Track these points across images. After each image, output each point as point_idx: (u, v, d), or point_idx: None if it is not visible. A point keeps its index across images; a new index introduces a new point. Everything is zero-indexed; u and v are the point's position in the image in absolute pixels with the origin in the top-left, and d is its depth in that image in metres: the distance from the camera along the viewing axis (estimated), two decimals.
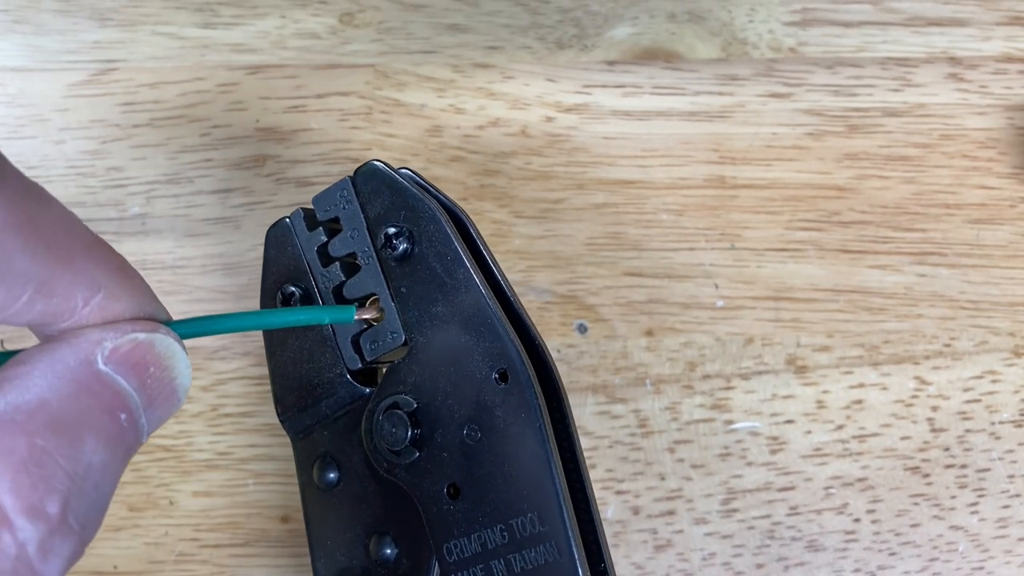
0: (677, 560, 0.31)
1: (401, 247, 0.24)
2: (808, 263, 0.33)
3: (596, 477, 0.31)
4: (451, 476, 0.23)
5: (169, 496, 0.32)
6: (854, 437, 0.32)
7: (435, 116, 0.34)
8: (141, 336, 0.19)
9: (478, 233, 0.25)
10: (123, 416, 0.18)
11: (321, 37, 0.35)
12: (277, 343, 0.27)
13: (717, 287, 0.33)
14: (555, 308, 0.33)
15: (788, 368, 0.32)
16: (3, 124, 0.34)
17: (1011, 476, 0.31)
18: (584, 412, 0.32)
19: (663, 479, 0.31)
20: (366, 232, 0.25)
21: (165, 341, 0.19)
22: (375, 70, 0.35)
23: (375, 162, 0.25)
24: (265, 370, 0.33)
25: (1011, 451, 0.32)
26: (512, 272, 0.33)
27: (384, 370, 0.25)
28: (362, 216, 0.25)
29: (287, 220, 0.26)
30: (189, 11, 0.35)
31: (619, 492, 0.31)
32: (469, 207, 0.33)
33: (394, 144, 0.34)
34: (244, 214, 0.34)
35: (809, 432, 0.32)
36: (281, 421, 0.27)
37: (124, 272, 0.20)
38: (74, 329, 0.19)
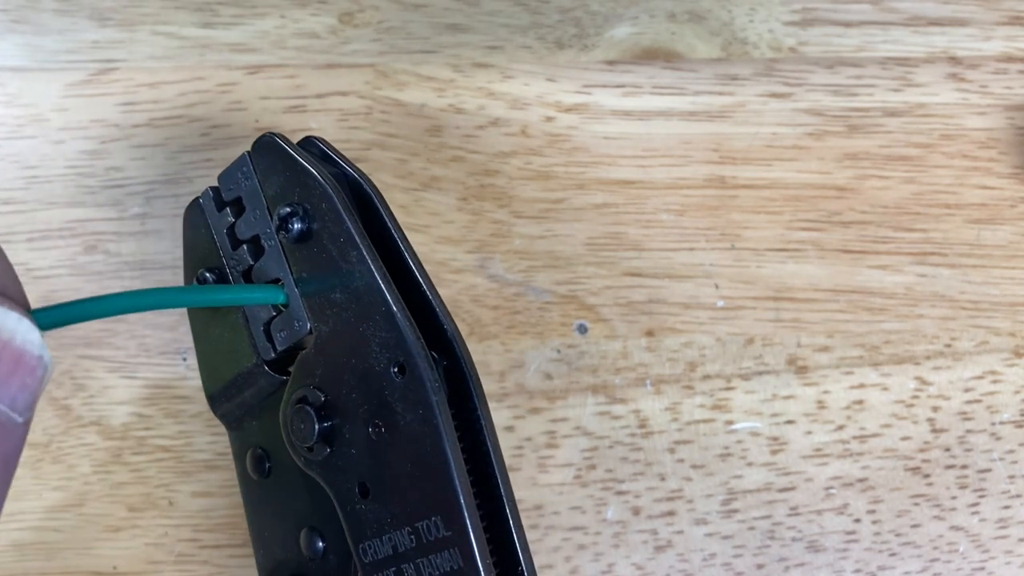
0: (677, 561, 0.31)
1: (295, 228, 0.22)
2: (808, 263, 0.33)
3: (596, 478, 0.31)
4: (361, 474, 0.22)
5: (168, 496, 0.32)
6: (855, 437, 0.32)
7: (435, 116, 0.34)
8: None
9: (387, 209, 0.23)
10: None
11: (321, 37, 0.35)
12: (201, 328, 0.26)
13: (717, 287, 0.33)
14: (555, 308, 0.33)
15: (788, 368, 0.32)
16: (2, 124, 0.34)
17: (1012, 476, 0.31)
18: (584, 412, 0.32)
19: (663, 479, 0.31)
20: (266, 212, 0.23)
21: None
22: (375, 70, 0.35)
23: (269, 135, 0.23)
24: None
25: (1012, 451, 0.32)
26: (512, 272, 0.33)
27: (296, 359, 0.24)
28: (261, 195, 0.23)
29: (199, 200, 0.25)
30: (188, 11, 0.35)
31: (619, 493, 0.31)
32: (469, 207, 0.33)
33: (394, 144, 0.34)
34: None
35: (809, 432, 0.32)
36: (212, 410, 0.26)
37: None
38: None
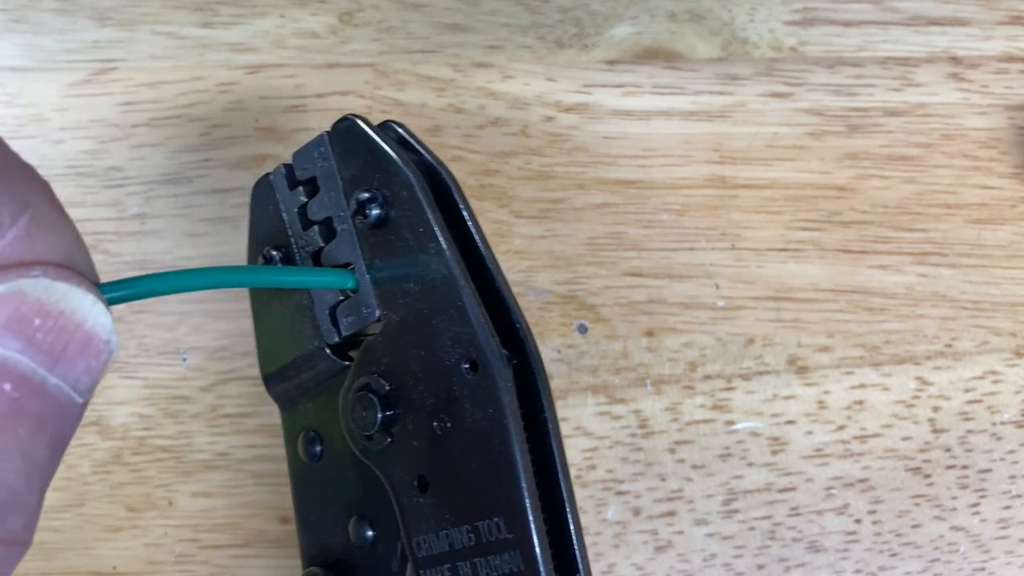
0: (678, 561, 0.31)
1: (373, 214, 0.22)
2: (809, 263, 0.33)
3: (596, 478, 0.31)
4: (421, 467, 0.21)
5: (168, 497, 0.32)
6: (855, 438, 0.32)
7: (435, 116, 0.34)
8: (0, 289, 0.15)
9: (464, 200, 0.22)
10: (7, 387, 0.15)
11: (320, 36, 0.35)
12: (262, 307, 0.25)
13: (718, 287, 0.33)
14: (555, 308, 0.33)
15: (789, 368, 0.32)
16: (2, 124, 0.34)
17: (1012, 477, 0.31)
18: (584, 412, 0.32)
19: (663, 480, 0.31)
20: (342, 195, 0.23)
21: (40, 284, 0.16)
22: (375, 69, 0.35)
23: (351, 117, 0.23)
24: None
25: (1012, 452, 0.32)
26: (512, 272, 0.33)
27: (362, 345, 0.23)
28: (338, 177, 0.23)
29: (269, 177, 0.24)
30: (188, 10, 0.35)
31: (619, 493, 0.31)
32: None
33: None
34: (243, 214, 0.34)
35: (810, 433, 0.32)
36: (267, 390, 0.25)
37: (55, 202, 0.17)
38: None
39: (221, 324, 0.33)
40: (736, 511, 0.31)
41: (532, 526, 0.20)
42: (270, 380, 0.25)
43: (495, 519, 0.20)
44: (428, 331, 0.21)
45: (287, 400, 0.25)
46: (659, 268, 0.33)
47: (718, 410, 0.32)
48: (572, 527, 0.21)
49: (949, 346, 0.32)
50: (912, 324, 0.32)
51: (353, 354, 0.24)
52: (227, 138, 0.34)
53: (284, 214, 0.24)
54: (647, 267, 0.33)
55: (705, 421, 0.32)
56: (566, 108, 0.34)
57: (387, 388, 0.22)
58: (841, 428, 0.32)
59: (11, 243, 0.16)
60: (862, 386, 0.32)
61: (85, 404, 0.16)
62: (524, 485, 0.20)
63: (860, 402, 0.32)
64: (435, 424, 0.21)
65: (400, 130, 0.23)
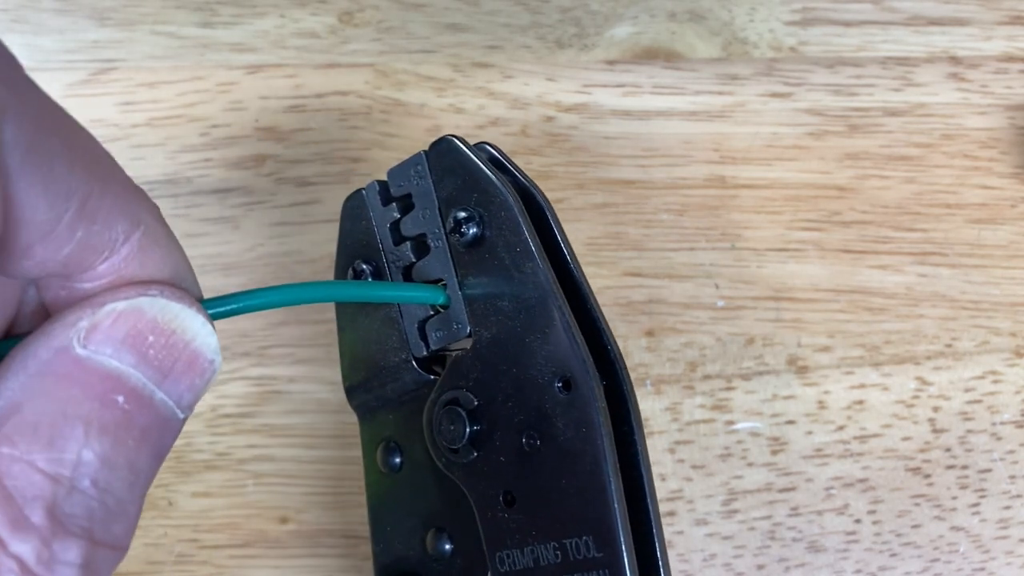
0: (678, 561, 0.31)
1: (470, 233, 0.22)
2: (809, 263, 0.33)
3: None
4: (507, 483, 0.22)
5: (168, 497, 0.32)
6: (855, 438, 0.32)
7: (435, 116, 0.34)
8: (121, 305, 0.16)
9: (556, 221, 0.23)
10: (120, 399, 0.16)
11: (320, 36, 0.35)
12: (348, 319, 0.26)
13: (718, 287, 0.33)
14: None
15: (789, 368, 0.32)
16: None
17: (1012, 477, 0.31)
18: None
19: (663, 480, 0.31)
20: (437, 213, 0.23)
21: (157, 303, 0.17)
22: (375, 69, 0.35)
23: (450, 137, 0.23)
24: (265, 371, 0.32)
25: (1012, 452, 0.32)
26: None
27: (450, 360, 0.24)
28: (434, 195, 0.23)
29: (362, 192, 0.25)
30: (188, 10, 0.35)
31: None
32: None
33: (394, 144, 0.34)
34: (243, 214, 0.34)
35: (810, 433, 0.32)
36: (348, 399, 0.26)
37: (163, 221, 0.18)
38: (103, 286, 0.17)
39: (222, 324, 0.33)
40: (736, 511, 0.31)
41: (623, 547, 0.20)
42: (352, 391, 0.26)
43: (584, 538, 0.21)
44: (521, 349, 0.22)
45: (367, 410, 0.26)
46: (659, 268, 0.33)
47: (718, 410, 0.32)
48: (658, 549, 0.21)
49: (949, 346, 0.32)
50: (912, 324, 0.32)
51: (438, 368, 0.24)
52: (227, 138, 0.34)
53: (376, 229, 0.24)
54: (647, 267, 0.33)
55: (705, 421, 0.32)
56: (566, 108, 0.34)
57: (475, 403, 0.22)
58: (841, 428, 0.32)
59: (124, 259, 0.17)
60: (862, 386, 0.32)
61: (185, 420, 0.17)
62: (616, 506, 0.20)
63: (860, 402, 0.32)
64: (524, 440, 0.21)
65: (494, 151, 0.23)
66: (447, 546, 0.24)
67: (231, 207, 0.34)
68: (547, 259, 0.22)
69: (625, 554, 0.20)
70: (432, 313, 0.24)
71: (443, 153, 0.23)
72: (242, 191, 0.34)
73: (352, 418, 0.33)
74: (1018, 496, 0.31)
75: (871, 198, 0.33)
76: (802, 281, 0.33)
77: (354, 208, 0.25)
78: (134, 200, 0.17)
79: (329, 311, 0.33)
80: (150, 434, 0.16)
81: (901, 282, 0.33)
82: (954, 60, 0.35)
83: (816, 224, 0.33)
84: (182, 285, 0.18)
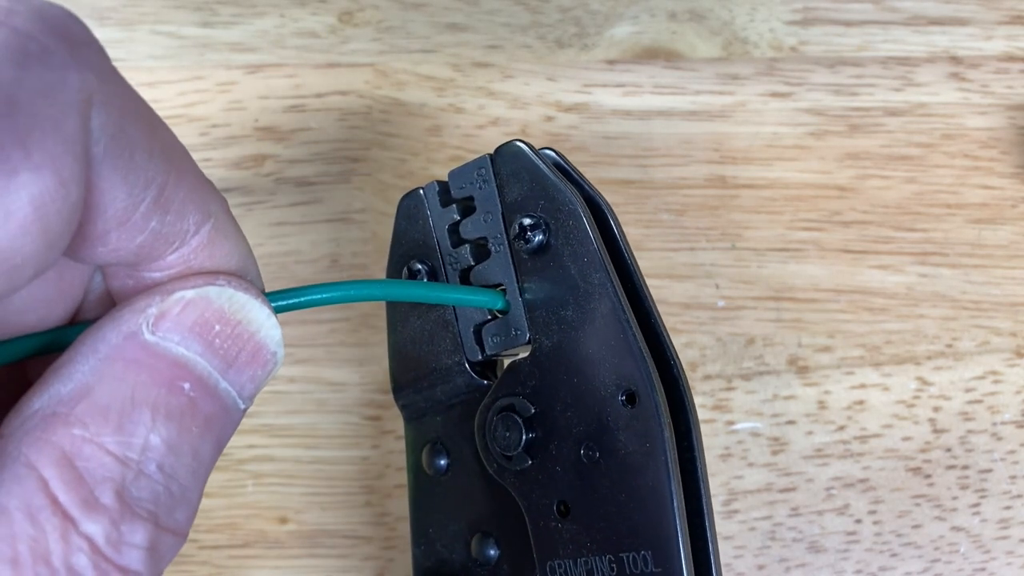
0: None
1: (536, 240, 0.22)
2: (809, 263, 0.33)
3: None
4: (562, 493, 0.22)
5: None
6: (855, 438, 0.32)
7: (435, 115, 0.34)
8: (189, 294, 0.17)
9: (621, 231, 0.23)
10: (186, 386, 0.16)
11: (320, 36, 0.35)
12: (400, 318, 0.25)
13: (718, 287, 0.33)
14: None
15: (789, 368, 0.32)
16: None
17: (1013, 477, 0.31)
18: None
19: None
20: (500, 217, 0.23)
21: (224, 293, 0.17)
22: (374, 69, 0.35)
23: (518, 143, 0.23)
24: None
25: (1013, 452, 0.31)
26: None
27: (504, 365, 0.24)
28: (498, 199, 0.23)
29: (420, 191, 0.24)
30: (188, 10, 0.35)
31: None
32: None
33: (394, 143, 0.34)
34: (243, 214, 0.34)
35: (810, 433, 0.32)
36: (395, 399, 0.26)
37: (231, 215, 0.18)
38: (171, 276, 0.17)
39: None
40: (736, 511, 0.31)
41: (683, 564, 0.20)
42: (400, 390, 0.25)
43: (643, 552, 0.20)
44: (583, 359, 0.21)
45: (414, 411, 0.25)
46: (659, 268, 0.33)
47: (718, 410, 0.32)
48: (714, 567, 0.21)
49: (950, 346, 0.32)
50: (912, 324, 0.32)
51: (490, 373, 0.24)
52: (227, 138, 0.34)
53: (434, 229, 0.24)
54: (647, 267, 0.33)
55: (705, 421, 0.32)
56: (566, 108, 0.34)
57: (532, 410, 0.22)
58: (841, 428, 0.32)
59: (194, 250, 0.17)
60: (862, 386, 0.32)
61: (245, 411, 0.18)
62: (678, 523, 0.20)
63: (860, 402, 0.32)
64: (582, 452, 0.21)
65: (559, 158, 0.23)
66: (492, 551, 0.24)
67: (231, 207, 0.34)
68: (615, 271, 0.22)
69: (685, 571, 0.20)
70: (490, 318, 0.23)
71: (509, 158, 0.23)
72: (242, 191, 0.34)
73: (352, 419, 0.33)
74: (1018, 496, 0.31)
75: (871, 198, 0.33)
76: (802, 281, 0.33)
77: (411, 207, 0.25)
78: (206, 192, 0.18)
79: (330, 311, 0.33)
80: (213, 423, 0.17)
81: (901, 282, 0.33)
82: (955, 60, 0.35)
83: (816, 224, 0.33)
84: (248, 276, 0.18)
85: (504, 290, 0.23)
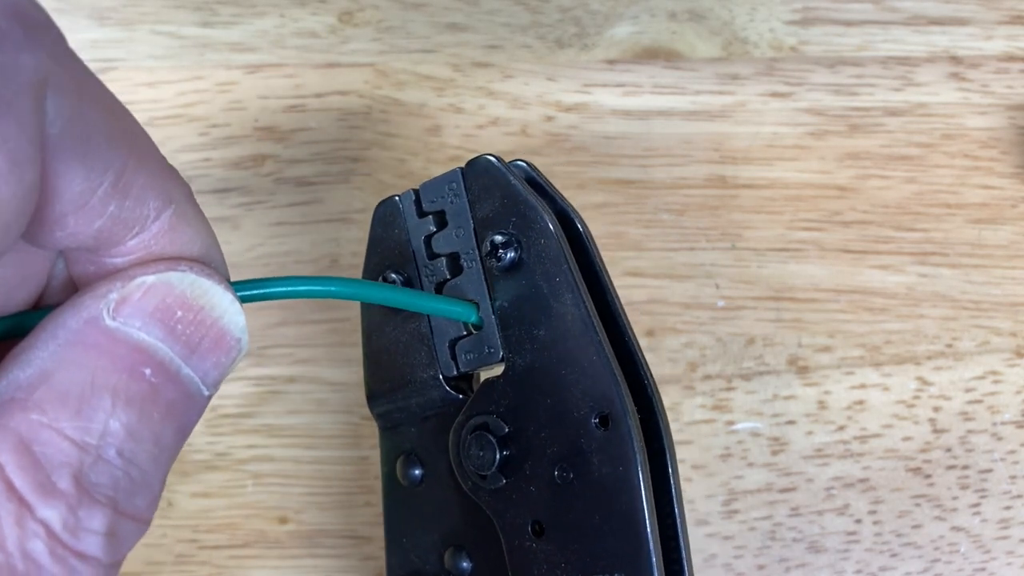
0: None
1: (507, 258, 0.22)
2: (809, 263, 0.33)
3: None
4: (537, 513, 0.21)
5: (167, 497, 0.32)
6: (855, 438, 0.32)
7: (434, 115, 0.34)
8: (150, 279, 0.17)
9: (595, 247, 0.22)
10: (148, 371, 0.16)
11: (320, 36, 0.35)
12: (374, 327, 0.25)
13: (718, 287, 0.33)
14: None
15: (789, 368, 0.32)
16: None
17: (1013, 477, 0.31)
18: None
19: None
20: (472, 233, 0.23)
21: (186, 279, 0.17)
22: (374, 69, 0.35)
23: (487, 157, 0.22)
24: (264, 371, 0.32)
25: (1013, 452, 0.31)
26: None
27: (480, 381, 0.23)
28: (469, 214, 0.23)
29: (396, 199, 0.24)
30: (188, 10, 0.35)
31: None
32: None
33: (394, 143, 0.34)
34: (243, 214, 0.34)
35: (810, 433, 0.32)
36: (369, 407, 0.25)
37: (194, 202, 0.18)
38: (132, 262, 0.17)
39: None
40: (736, 511, 0.31)
41: None
42: (375, 399, 0.25)
43: (616, 574, 0.20)
44: (556, 380, 0.21)
45: (389, 420, 0.25)
46: (659, 268, 0.33)
47: (718, 410, 0.32)
48: None
49: (950, 346, 0.32)
50: (913, 324, 0.32)
51: (466, 387, 0.24)
52: (226, 138, 0.34)
53: (411, 240, 0.24)
54: (647, 267, 0.33)
55: (705, 421, 0.32)
56: (566, 108, 0.34)
57: (506, 430, 0.22)
58: (841, 428, 0.32)
59: (154, 236, 0.17)
60: (862, 386, 0.32)
61: (210, 398, 0.17)
62: (651, 547, 0.20)
63: (860, 402, 0.32)
64: (556, 472, 0.21)
65: (531, 170, 0.23)
66: (465, 564, 0.24)
67: (230, 207, 0.34)
68: (587, 291, 0.21)
69: None
70: (465, 334, 0.23)
71: (480, 172, 0.22)
72: (241, 191, 0.34)
73: (352, 419, 0.33)
74: (1019, 496, 0.31)
75: (872, 198, 0.33)
76: (802, 281, 0.33)
77: (387, 215, 0.24)
78: (167, 178, 0.17)
79: (329, 311, 0.33)
80: (175, 409, 0.17)
81: (902, 282, 0.33)
82: (955, 60, 0.35)
83: (816, 224, 0.33)
84: (211, 264, 0.18)
85: (478, 305, 0.23)
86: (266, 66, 0.35)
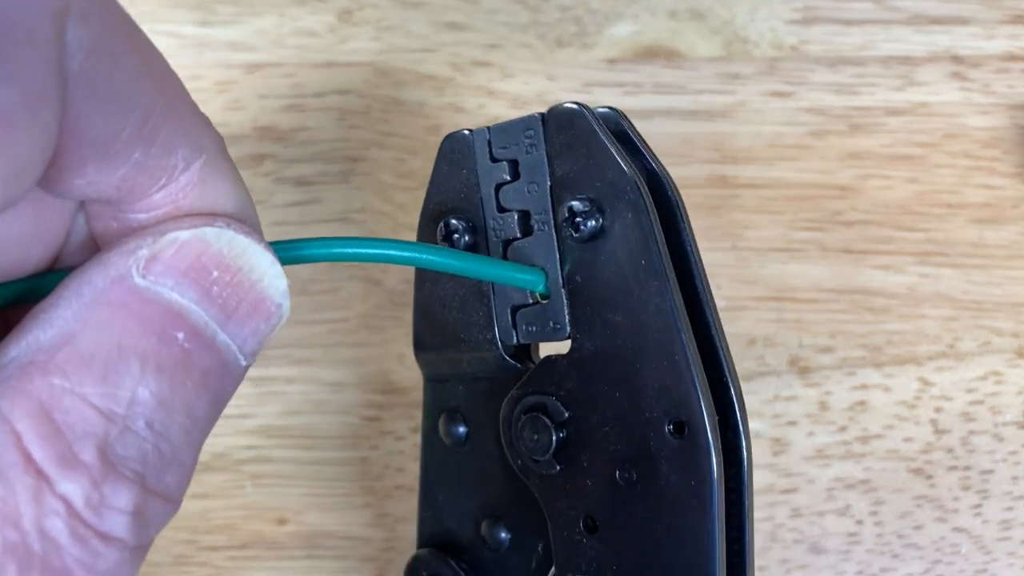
0: None
1: (587, 228, 0.19)
2: (810, 263, 0.33)
3: None
4: (591, 509, 0.20)
5: None
6: (857, 439, 0.31)
7: (434, 115, 0.34)
8: (184, 235, 0.15)
9: (687, 222, 0.20)
10: (180, 335, 0.14)
11: (319, 35, 0.35)
12: (429, 275, 0.23)
13: (719, 287, 0.33)
14: None
15: (790, 369, 0.32)
16: None
17: (1015, 478, 0.31)
18: None
19: None
20: (547, 192, 0.20)
21: (223, 235, 0.15)
22: (374, 68, 0.35)
23: (574, 105, 0.19)
24: (263, 371, 0.32)
25: (1014, 452, 0.31)
26: None
27: (541, 358, 0.21)
28: (547, 170, 0.20)
29: (468, 134, 0.21)
30: (186, 9, 0.35)
31: None
32: None
33: (393, 143, 0.34)
34: None
35: (811, 434, 0.31)
36: (416, 357, 0.23)
37: (225, 151, 0.16)
38: (159, 217, 0.15)
39: None
40: None
41: None
42: (423, 349, 0.23)
43: None
44: (629, 373, 0.19)
45: (436, 374, 0.23)
46: None
47: None
48: None
49: (951, 347, 0.32)
50: (914, 324, 0.32)
51: (524, 356, 0.22)
52: (225, 137, 0.34)
53: (480, 186, 0.21)
54: None
55: None
56: None
57: (566, 416, 0.20)
58: (843, 429, 0.31)
59: (183, 189, 0.15)
60: (864, 387, 0.32)
61: (247, 368, 0.16)
62: (716, 570, 0.19)
63: (862, 403, 0.32)
64: (617, 472, 0.19)
65: (621, 121, 0.20)
66: (503, 535, 0.22)
67: None
68: (676, 280, 0.19)
69: None
70: (531, 302, 0.21)
71: (564, 124, 0.20)
72: None
73: (351, 419, 0.33)
74: (1020, 497, 0.31)
75: (873, 198, 0.33)
76: (803, 281, 0.33)
77: (455, 151, 0.21)
78: (198, 125, 0.16)
79: (329, 311, 0.33)
80: (210, 378, 0.15)
81: (903, 282, 0.33)
82: (956, 59, 0.34)
83: (817, 224, 0.33)
84: (247, 222, 0.16)
85: (546, 274, 0.20)
86: (265, 65, 0.35)
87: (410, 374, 0.32)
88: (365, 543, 0.32)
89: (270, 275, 0.16)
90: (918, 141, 0.34)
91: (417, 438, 0.32)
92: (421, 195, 0.33)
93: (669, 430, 0.19)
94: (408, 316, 0.33)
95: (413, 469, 0.32)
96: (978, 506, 0.31)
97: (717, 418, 0.19)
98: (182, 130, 0.15)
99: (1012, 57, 0.35)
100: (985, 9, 0.35)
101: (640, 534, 0.19)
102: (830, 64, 0.34)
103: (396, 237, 0.31)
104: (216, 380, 0.15)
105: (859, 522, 0.31)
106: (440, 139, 0.34)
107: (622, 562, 0.20)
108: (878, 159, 0.34)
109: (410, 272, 0.33)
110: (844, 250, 0.33)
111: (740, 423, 0.19)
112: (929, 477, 0.31)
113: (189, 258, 0.15)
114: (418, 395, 0.32)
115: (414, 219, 0.33)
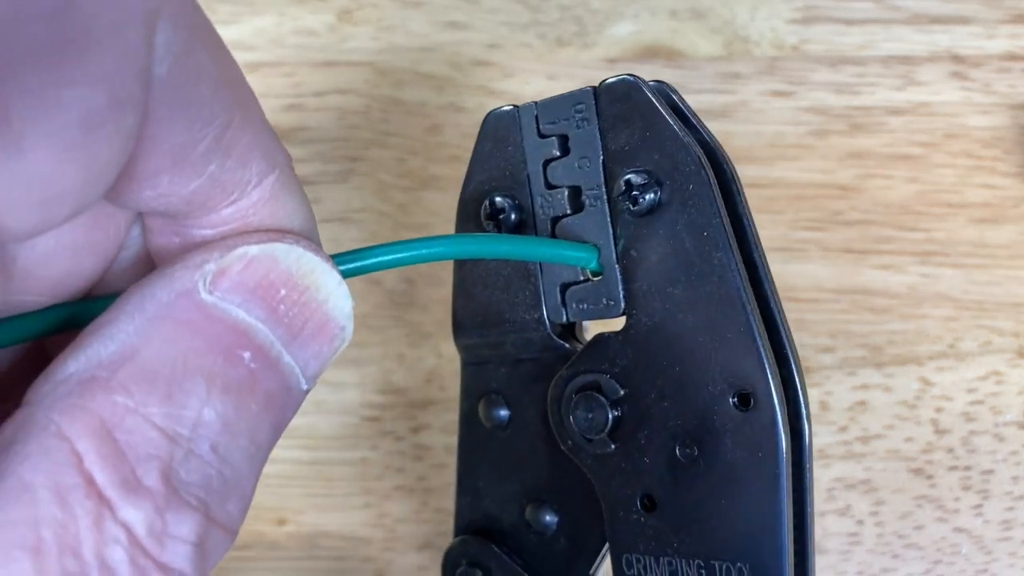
0: None
1: (645, 200, 0.19)
2: (811, 263, 0.33)
3: None
4: (649, 487, 0.20)
5: None
6: (857, 439, 0.31)
7: (434, 114, 0.34)
8: (254, 250, 0.14)
9: (742, 193, 0.20)
10: (246, 355, 0.14)
11: (319, 34, 0.35)
12: None
13: None
14: None
15: None
16: None
17: (1015, 478, 0.31)
18: None
19: None
20: (600, 166, 0.20)
21: (293, 252, 0.15)
22: (374, 68, 0.34)
23: (631, 78, 0.19)
24: None
25: (1015, 452, 0.31)
26: None
27: (592, 336, 0.21)
28: (599, 144, 0.20)
29: (514, 110, 0.21)
30: None
31: None
32: None
33: (393, 143, 0.34)
34: None
35: (812, 434, 0.31)
36: (455, 339, 0.23)
37: (292, 168, 0.16)
38: (224, 234, 0.15)
39: None
40: None
41: None
42: (463, 332, 0.23)
43: (739, 565, 0.19)
44: (690, 347, 0.19)
45: (474, 356, 0.23)
46: None
47: None
48: None
49: (952, 347, 0.32)
50: (915, 324, 0.32)
51: (571, 336, 0.22)
52: None
53: (527, 162, 0.21)
54: None
55: None
56: None
57: (621, 393, 0.20)
58: (843, 429, 0.31)
59: (254, 204, 0.15)
60: (864, 387, 0.32)
61: (307, 393, 0.15)
62: (785, 543, 0.18)
63: (862, 403, 0.32)
64: (677, 448, 0.19)
65: (671, 93, 0.20)
66: (548, 518, 0.22)
67: None
68: (739, 251, 0.19)
69: None
70: (581, 280, 0.21)
71: (619, 96, 0.20)
72: None
73: (351, 420, 0.33)
74: (1021, 497, 0.31)
75: (873, 197, 0.33)
76: (804, 281, 0.33)
77: (500, 128, 0.21)
78: (272, 139, 0.15)
79: None
80: (273, 402, 0.14)
81: (904, 282, 0.33)
82: (957, 59, 0.34)
83: (818, 224, 0.33)
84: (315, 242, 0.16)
85: (599, 249, 0.20)
86: (265, 64, 0.34)
87: (410, 374, 0.32)
88: (365, 543, 0.32)
89: (336, 295, 0.15)
90: (919, 141, 0.34)
91: (417, 438, 0.32)
92: (421, 194, 0.33)
93: (733, 403, 0.19)
94: (408, 316, 0.33)
95: (413, 469, 0.32)
96: (979, 506, 0.31)
97: (783, 388, 0.19)
98: (257, 144, 0.15)
99: (1013, 57, 0.34)
100: (986, 8, 0.35)
101: (702, 510, 0.19)
102: (831, 64, 0.34)
103: (396, 237, 0.31)
104: (279, 404, 0.15)
105: (860, 522, 0.31)
106: (441, 138, 0.34)
107: (683, 539, 0.19)
108: (879, 159, 0.34)
109: (410, 272, 0.33)
110: (845, 250, 0.33)
111: (801, 396, 0.19)
112: (930, 477, 0.31)
113: (258, 275, 0.14)
114: (418, 395, 0.32)
115: (414, 219, 0.33)
